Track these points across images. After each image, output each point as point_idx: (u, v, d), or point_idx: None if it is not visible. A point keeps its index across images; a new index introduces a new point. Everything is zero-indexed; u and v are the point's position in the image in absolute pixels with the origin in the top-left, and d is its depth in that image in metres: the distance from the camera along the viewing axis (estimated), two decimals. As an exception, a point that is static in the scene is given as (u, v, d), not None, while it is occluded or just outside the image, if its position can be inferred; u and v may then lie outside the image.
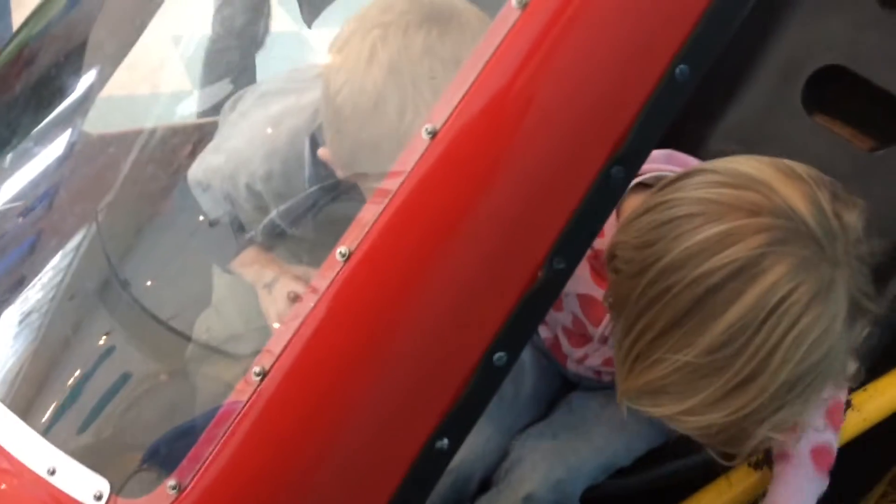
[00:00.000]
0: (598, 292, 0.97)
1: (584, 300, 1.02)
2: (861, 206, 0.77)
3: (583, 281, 1.00)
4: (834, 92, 1.44)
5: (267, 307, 0.98)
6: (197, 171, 1.06)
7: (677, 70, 0.62)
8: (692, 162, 0.98)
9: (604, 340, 1.05)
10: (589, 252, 0.96)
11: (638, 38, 0.63)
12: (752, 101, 1.48)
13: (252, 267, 1.03)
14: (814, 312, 0.71)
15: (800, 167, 0.77)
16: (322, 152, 0.91)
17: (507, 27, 0.62)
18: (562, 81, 0.63)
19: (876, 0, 1.40)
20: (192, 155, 1.15)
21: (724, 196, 0.74)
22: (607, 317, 0.97)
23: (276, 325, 0.98)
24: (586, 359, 1.11)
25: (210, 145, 1.10)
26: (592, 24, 0.62)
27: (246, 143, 1.05)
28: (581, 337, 1.09)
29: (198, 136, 1.16)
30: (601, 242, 0.91)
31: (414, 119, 0.78)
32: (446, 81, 0.74)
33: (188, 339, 1.03)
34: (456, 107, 0.64)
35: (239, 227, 1.12)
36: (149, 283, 1.09)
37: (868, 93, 1.38)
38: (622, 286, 0.78)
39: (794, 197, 0.73)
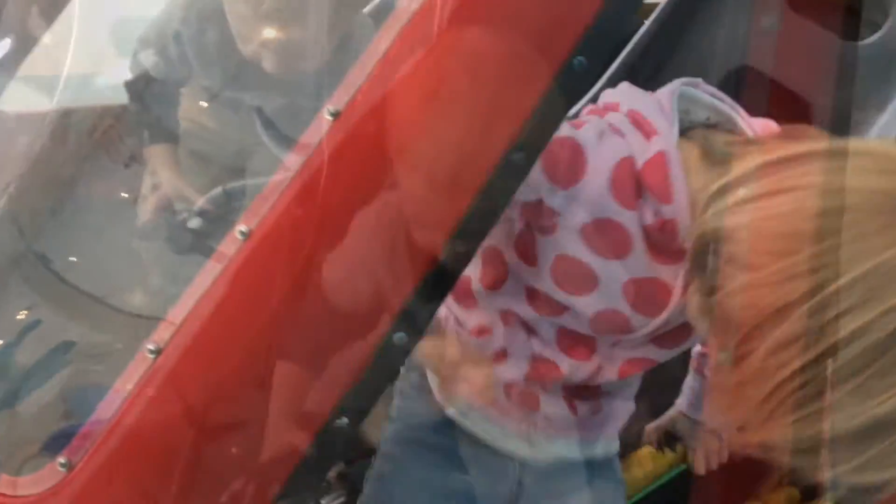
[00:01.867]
0: (663, 271, 0.78)
1: (641, 284, 0.80)
2: None
3: (640, 264, 0.79)
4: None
5: (143, 201, 1.05)
6: (143, 31, 1.09)
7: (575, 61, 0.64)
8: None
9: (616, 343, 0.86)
10: (653, 221, 0.75)
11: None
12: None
13: (155, 160, 1.07)
14: None
15: None
16: None
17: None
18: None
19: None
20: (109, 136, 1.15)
21: None
22: (672, 302, 0.78)
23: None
24: (599, 372, 0.89)
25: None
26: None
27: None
28: (585, 347, 0.88)
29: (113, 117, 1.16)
30: (672, 210, 0.73)
31: None
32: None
33: (106, 304, 1.02)
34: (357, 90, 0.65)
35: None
36: (68, 256, 1.09)
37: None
38: (760, 295, 0.59)
39: None
